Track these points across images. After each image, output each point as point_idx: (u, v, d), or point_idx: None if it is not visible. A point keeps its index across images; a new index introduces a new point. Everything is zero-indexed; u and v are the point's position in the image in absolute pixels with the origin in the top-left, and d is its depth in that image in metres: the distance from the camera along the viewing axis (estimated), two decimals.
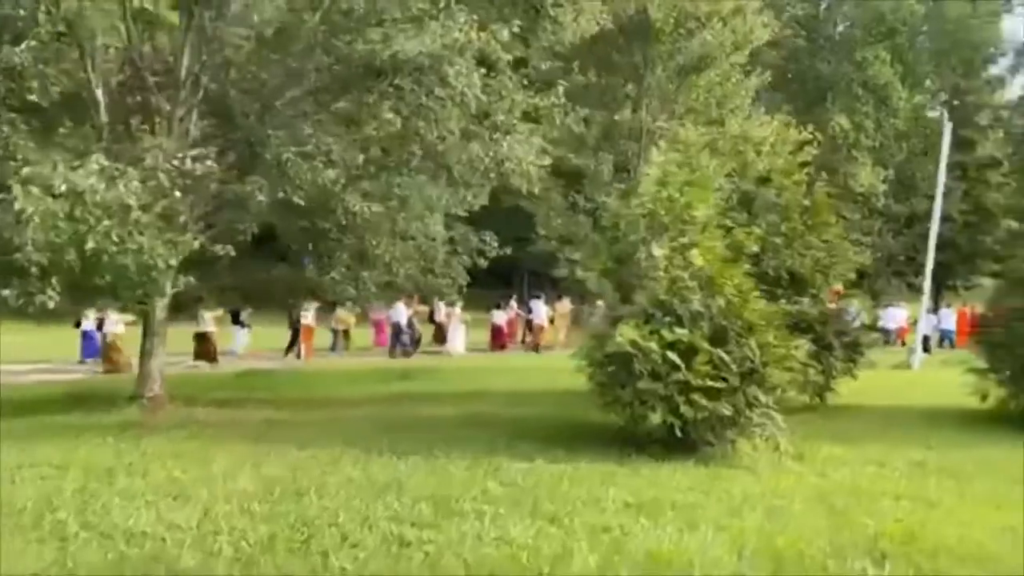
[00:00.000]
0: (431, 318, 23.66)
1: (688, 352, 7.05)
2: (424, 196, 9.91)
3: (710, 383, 6.88)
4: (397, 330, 21.25)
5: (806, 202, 10.87)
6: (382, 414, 9.90)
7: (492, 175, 9.57)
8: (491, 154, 9.20)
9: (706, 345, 7.03)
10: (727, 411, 6.87)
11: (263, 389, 14.32)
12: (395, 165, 8.89)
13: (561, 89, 9.71)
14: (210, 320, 18.04)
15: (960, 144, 48.02)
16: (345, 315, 21.57)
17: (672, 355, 6.91)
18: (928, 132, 44.25)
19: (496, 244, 11.72)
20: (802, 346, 7.71)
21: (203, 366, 17.66)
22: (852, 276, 39.68)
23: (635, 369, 7.00)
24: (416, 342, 21.81)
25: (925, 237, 44.72)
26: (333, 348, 21.73)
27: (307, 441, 7.58)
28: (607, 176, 15.57)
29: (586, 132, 15.33)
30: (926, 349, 23.90)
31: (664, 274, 7.44)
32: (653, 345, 6.97)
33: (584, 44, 14.88)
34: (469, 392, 12.74)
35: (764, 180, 11.05)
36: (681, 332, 7.07)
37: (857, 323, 29.23)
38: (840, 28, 43.93)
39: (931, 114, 24.78)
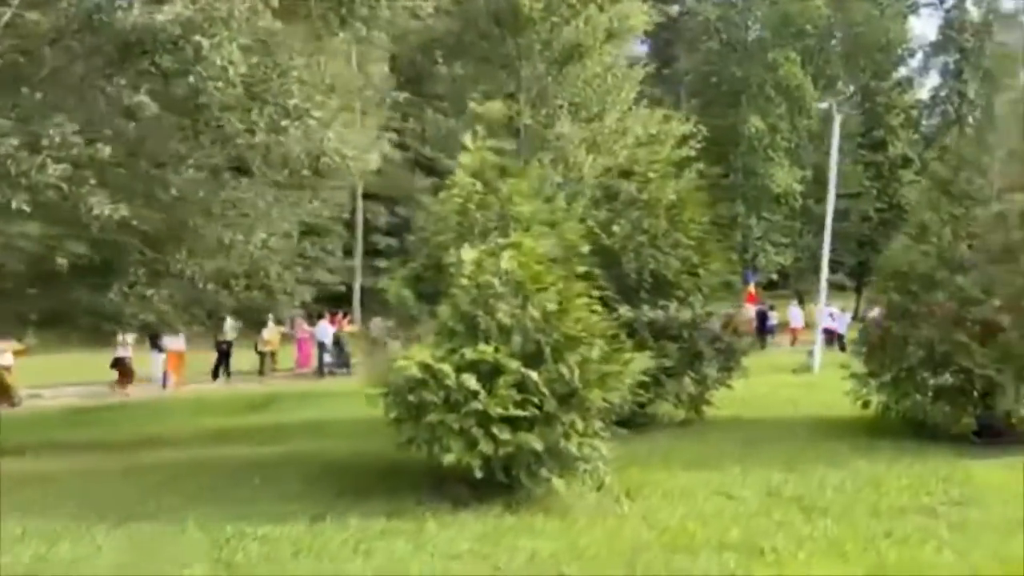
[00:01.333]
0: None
1: (493, 374, 5.82)
2: (231, 199, 8.50)
3: (515, 411, 5.65)
4: (323, 350, 20.07)
5: (673, 197, 9.81)
6: (180, 458, 8.40)
7: (306, 172, 8.27)
8: (299, 147, 7.88)
9: (514, 365, 5.80)
10: (536, 444, 5.64)
11: (89, 426, 12.66)
12: (170, 162, 7.47)
13: (381, 70, 8.45)
14: (128, 343, 16.61)
15: (873, 144, 48.79)
16: (271, 335, 20.07)
17: (469, 378, 5.66)
18: (842, 133, 44.72)
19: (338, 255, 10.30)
20: (633, 360, 6.53)
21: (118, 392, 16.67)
22: (773, 276, 39.05)
23: (426, 398, 5.74)
24: (346, 363, 20.38)
25: (845, 236, 44.97)
26: (261, 372, 20.06)
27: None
28: None
29: (458, 128, 14.08)
30: (842, 348, 23.40)
31: (470, 281, 6.20)
32: (446, 367, 5.71)
33: (451, 33, 13.73)
34: (322, 422, 11.34)
35: (627, 173, 9.99)
36: (484, 350, 5.84)
37: (799, 324, 28.67)
38: (752, 31, 43.99)
39: (821, 106, 24.45)
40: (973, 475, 6.69)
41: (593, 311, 6.65)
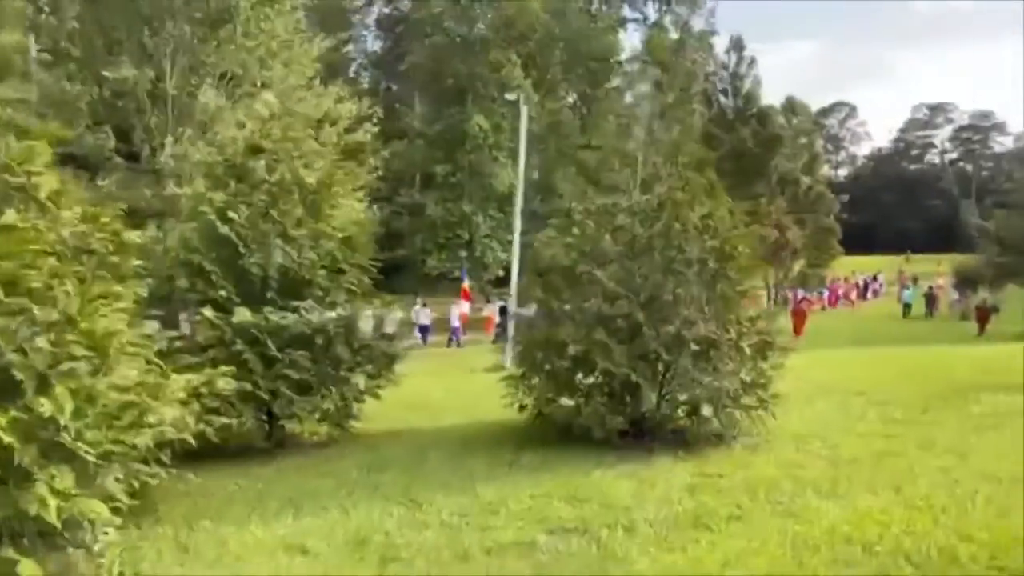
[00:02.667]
0: None
1: None
2: None
3: None
4: None
5: (310, 180, 8.38)
6: None
7: None
8: None
9: None
10: None
11: None
12: None
13: None
14: None
15: (590, 148, 51.88)
16: None
17: None
18: (562, 138, 46.99)
19: None
20: (174, 384, 4.98)
21: None
22: (500, 274, 39.38)
23: None
24: None
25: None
26: None
27: None
28: (109, 154, 11.86)
29: (80, 95, 11.46)
30: None
31: None
32: None
33: None
34: None
35: (255, 150, 8.38)
36: None
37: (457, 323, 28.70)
38: (477, 29, 44.43)
39: (509, 97, 24.87)
40: (599, 490, 6.06)
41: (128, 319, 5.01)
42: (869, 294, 53.39)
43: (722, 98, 20.35)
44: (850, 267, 52.50)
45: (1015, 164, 33.51)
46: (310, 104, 12.06)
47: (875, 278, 56.78)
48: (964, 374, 12.90)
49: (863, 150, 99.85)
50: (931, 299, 41.93)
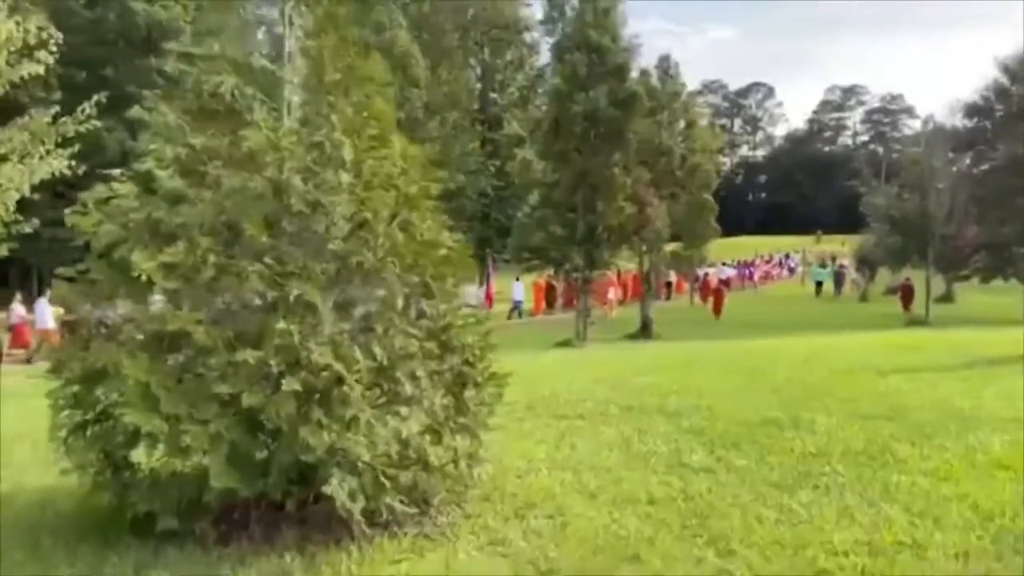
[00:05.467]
0: None
1: None
2: None
3: None
4: None
5: None
6: None
7: None
8: None
9: None
10: None
11: None
12: None
13: None
14: None
15: (490, 122, 48.93)
16: None
17: None
18: (459, 110, 43.84)
19: None
20: None
21: None
22: None
23: None
24: None
25: (459, 211, 44.16)
26: None
27: None
28: None
29: None
30: None
31: None
32: None
33: None
34: None
35: None
36: None
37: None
38: None
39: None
40: None
41: None
42: (785, 272, 52.95)
43: (576, 53, 17.56)
44: (756, 248, 51.24)
45: (919, 146, 32.17)
46: None
47: (788, 256, 56.39)
48: (819, 377, 10.34)
49: (780, 131, 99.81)
50: (839, 278, 41.59)
